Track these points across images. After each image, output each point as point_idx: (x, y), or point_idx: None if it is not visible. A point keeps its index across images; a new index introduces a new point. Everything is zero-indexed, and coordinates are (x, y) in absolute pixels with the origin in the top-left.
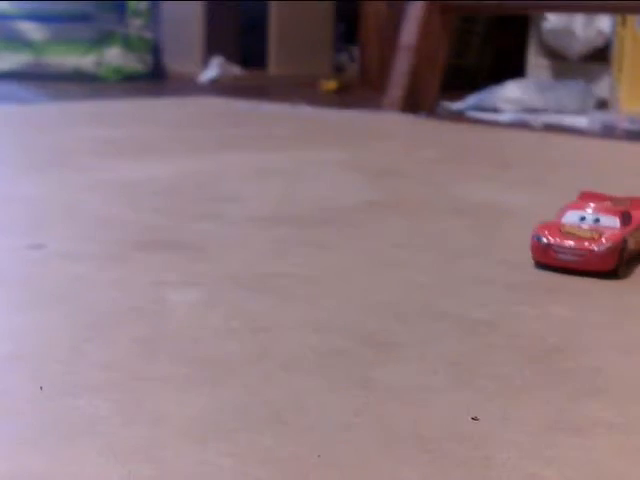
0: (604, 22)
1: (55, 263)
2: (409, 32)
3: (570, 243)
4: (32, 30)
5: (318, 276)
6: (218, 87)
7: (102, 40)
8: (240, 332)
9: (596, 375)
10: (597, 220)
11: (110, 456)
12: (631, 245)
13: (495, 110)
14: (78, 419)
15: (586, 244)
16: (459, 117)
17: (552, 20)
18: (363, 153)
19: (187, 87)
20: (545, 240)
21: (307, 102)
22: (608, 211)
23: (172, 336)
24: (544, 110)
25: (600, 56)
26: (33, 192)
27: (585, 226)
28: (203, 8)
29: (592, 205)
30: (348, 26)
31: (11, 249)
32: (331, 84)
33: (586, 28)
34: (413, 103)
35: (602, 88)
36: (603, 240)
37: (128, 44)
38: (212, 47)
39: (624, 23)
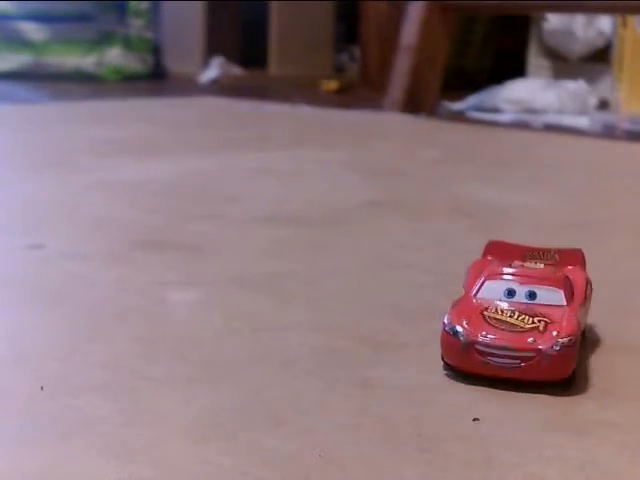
0: (604, 22)
1: (55, 263)
2: (409, 32)
3: (505, 341)
4: (32, 30)
5: (318, 276)
6: (218, 87)
7: (102, 40)
8: (240, 332)
9: (596, 375)
10: (532, 295)
11: (110, 456)
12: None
13: (496, 110)
14: (78, 419)
15: (529, 340)
16: (460, 117)
17: (553, 20)
18: (364, 153)
19: (187, 87)
20: (464, 334)
21: (307, 102)
22: (546, 281)
23: (172, 336)
24: (545, 110)
25: (601, 57)
26: (33, 192)
27: (517, 305)
28: (203, 8)
29: (520, 271)
30: (348, 26)
31: (11, 249)
32: (332, 84)
33: (587, 29)
34: (414, 103)
35: (603, 89)
36: (554, 333)
37: (128, 44)
38: (212, 47)
39: (624, 23)
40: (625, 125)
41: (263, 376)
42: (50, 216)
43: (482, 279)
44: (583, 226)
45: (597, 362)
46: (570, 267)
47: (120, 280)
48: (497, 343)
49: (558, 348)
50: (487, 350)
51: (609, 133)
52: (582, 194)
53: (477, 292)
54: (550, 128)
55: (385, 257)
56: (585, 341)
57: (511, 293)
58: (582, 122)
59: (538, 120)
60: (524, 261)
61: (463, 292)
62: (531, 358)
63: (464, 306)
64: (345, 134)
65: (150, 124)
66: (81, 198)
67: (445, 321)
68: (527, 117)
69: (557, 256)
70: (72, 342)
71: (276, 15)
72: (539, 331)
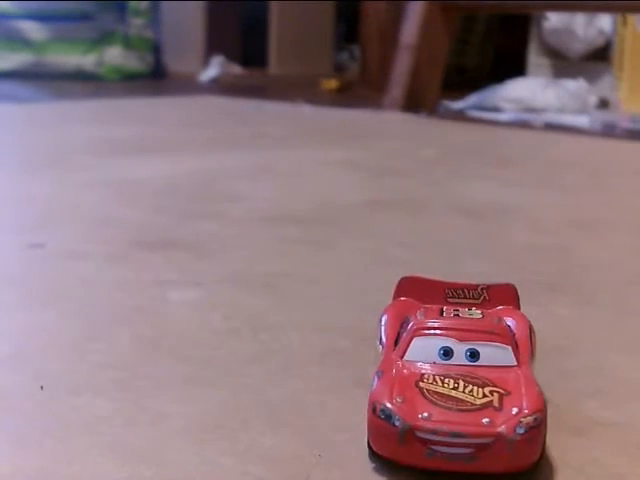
0: (605, 21)
1: (56, 262)
2: (410, 31)
3: (455, 424)
4: (33, 29)
5: (318, 276)
6: (218, 86)
7: (103, 39)
8: (240, 332)
9: (596, 375)
10: (474, 355)
11: (110, 456)
12: None
13: (496, 109)
14: (78, 419)
15: (485, 422)
16: (460, 116)
17: (553, 19)
18: (364, 152)
19: (188, 86)
20: (400, 417)
21: (308, 101)
22: (490, 335)
23: (172, 336)
24: (545, 109)
25: (601, 55)
26: (34, 191)
27: (457, 370)
28: (203, 8)
29: (455, 322)
30: (349, 25)
31: (12, 248)
32: (332, 83)
33: (587, 27)
34: (414, 102)
35: (603, 87)
36: (513, 410)
37: (129, 43)
38: (213, 46)
39: (625, 22)
40: (625, 124)
41: (263, 376)
42: (50, 215)
43: (409, 336)
44: (583, 224)
45: (597, 362)
46: (501, 307)
47: (121, 279)
48: (445, 428)
49: (522, 431)
50: (432, 438)
51: (609, 132)
52: (582, 193)
53: (404, 353)
54: (550, 127)
55: (385, 256)
56: None
57: (448, 353)
58: (582, 121)
59: (538, 119)
60: (446, 302)
61: (381, 350)
62: (489, 446)
63: (392, 375)
64: (346, 133)
65: (150, 123)
66: (81, 197)
67: (373, 400)
68: (527, 116)
69: (485, 294)
70: (72, 342)
71: (276, 15)
72: (494, 407)
